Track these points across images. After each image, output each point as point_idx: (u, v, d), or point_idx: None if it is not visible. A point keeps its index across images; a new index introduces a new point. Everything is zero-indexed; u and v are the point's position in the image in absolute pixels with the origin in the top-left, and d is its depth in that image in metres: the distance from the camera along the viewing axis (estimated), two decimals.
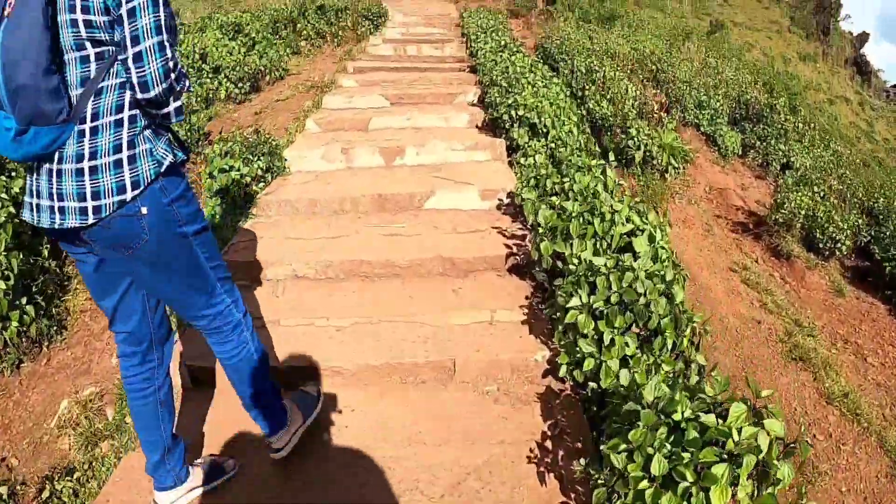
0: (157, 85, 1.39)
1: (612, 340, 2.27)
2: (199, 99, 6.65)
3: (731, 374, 4.01)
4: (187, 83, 1.56)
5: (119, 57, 1.42)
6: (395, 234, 3.55)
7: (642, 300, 2.30)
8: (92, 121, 1.42)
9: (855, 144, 18.33)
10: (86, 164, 1.43)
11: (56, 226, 1.45)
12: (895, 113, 32.97)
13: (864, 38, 39.56)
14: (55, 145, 1.41)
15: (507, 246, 3.37)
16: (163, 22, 1.39)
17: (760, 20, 37.04)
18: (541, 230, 3.05)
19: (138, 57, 1.37)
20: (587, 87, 6.75)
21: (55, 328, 2.88)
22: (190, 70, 6.63)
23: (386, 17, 9.48)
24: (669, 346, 2.27)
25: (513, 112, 4.52)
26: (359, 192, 3.93)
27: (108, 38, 1.40)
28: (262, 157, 4.15)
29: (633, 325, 2.33)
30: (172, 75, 1.43)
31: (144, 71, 1.38)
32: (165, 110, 1.49)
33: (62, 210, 1.44)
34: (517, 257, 3.32)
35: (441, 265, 3.25)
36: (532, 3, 11.80)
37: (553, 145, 4.62)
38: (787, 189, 6.95)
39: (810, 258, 6.85)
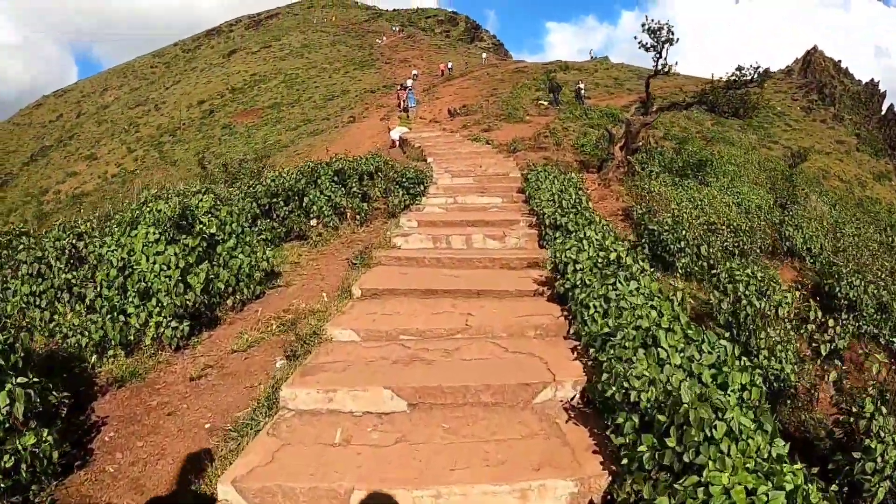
0: None
1: None
2: (113, 344, 4.11)
3: None
4: None
5: None
6: None
7: None
8: None
9: None
10: None
11: None
12: None
13: None
14: None
15: None
16: None
17: (827, 142, 35.03)
18: None
19: None
20: (758, 338, 3.89)
21: None
22: (99, 300, 4.12)
23: (426, 182, 7.08)
24: None
25: None
26: None
27: None
28: None
29: None
30: None
31: None
32: None
33: None
34: None
35: None
36: (606, 153, 9.37)
37: None
38: None
39: None
